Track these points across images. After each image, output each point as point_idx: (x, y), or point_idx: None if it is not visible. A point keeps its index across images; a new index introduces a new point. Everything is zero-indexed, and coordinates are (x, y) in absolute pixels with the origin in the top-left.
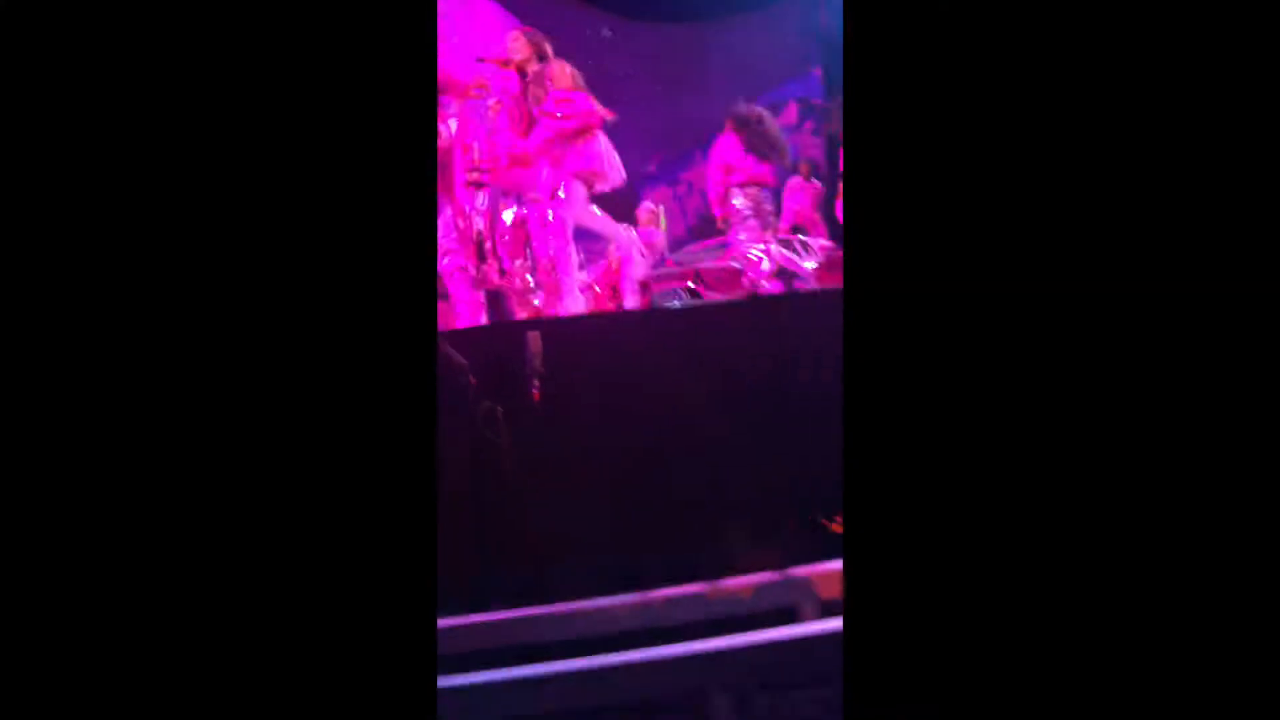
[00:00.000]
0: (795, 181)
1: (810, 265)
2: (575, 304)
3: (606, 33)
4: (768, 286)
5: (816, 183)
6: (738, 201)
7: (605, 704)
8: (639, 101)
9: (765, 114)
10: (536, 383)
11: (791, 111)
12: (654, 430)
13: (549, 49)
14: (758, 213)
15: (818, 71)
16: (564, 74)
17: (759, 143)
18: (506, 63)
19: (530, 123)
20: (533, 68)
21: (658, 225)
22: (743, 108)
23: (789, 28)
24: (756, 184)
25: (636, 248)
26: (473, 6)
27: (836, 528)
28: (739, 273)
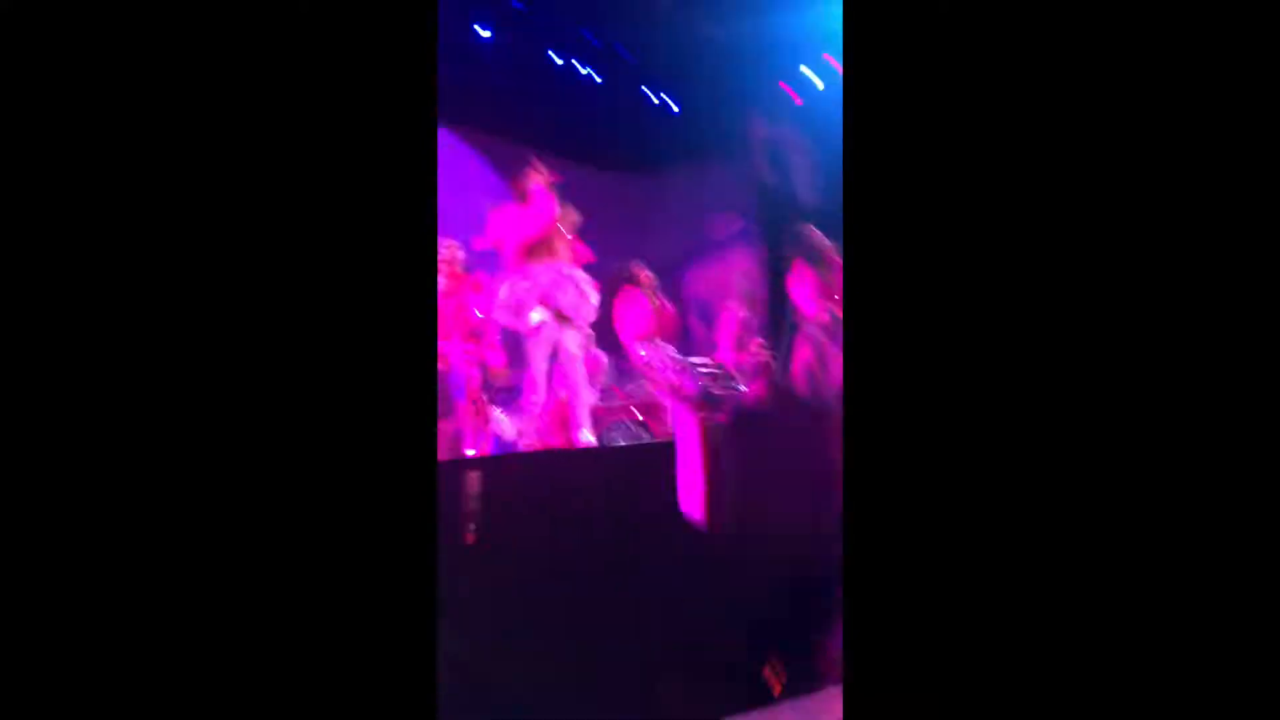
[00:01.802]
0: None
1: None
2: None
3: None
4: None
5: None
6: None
7: None
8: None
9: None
10: (472, 526)
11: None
12: (592, 571)
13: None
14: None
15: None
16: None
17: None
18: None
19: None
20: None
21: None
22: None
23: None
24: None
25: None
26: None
27: (776, 685)
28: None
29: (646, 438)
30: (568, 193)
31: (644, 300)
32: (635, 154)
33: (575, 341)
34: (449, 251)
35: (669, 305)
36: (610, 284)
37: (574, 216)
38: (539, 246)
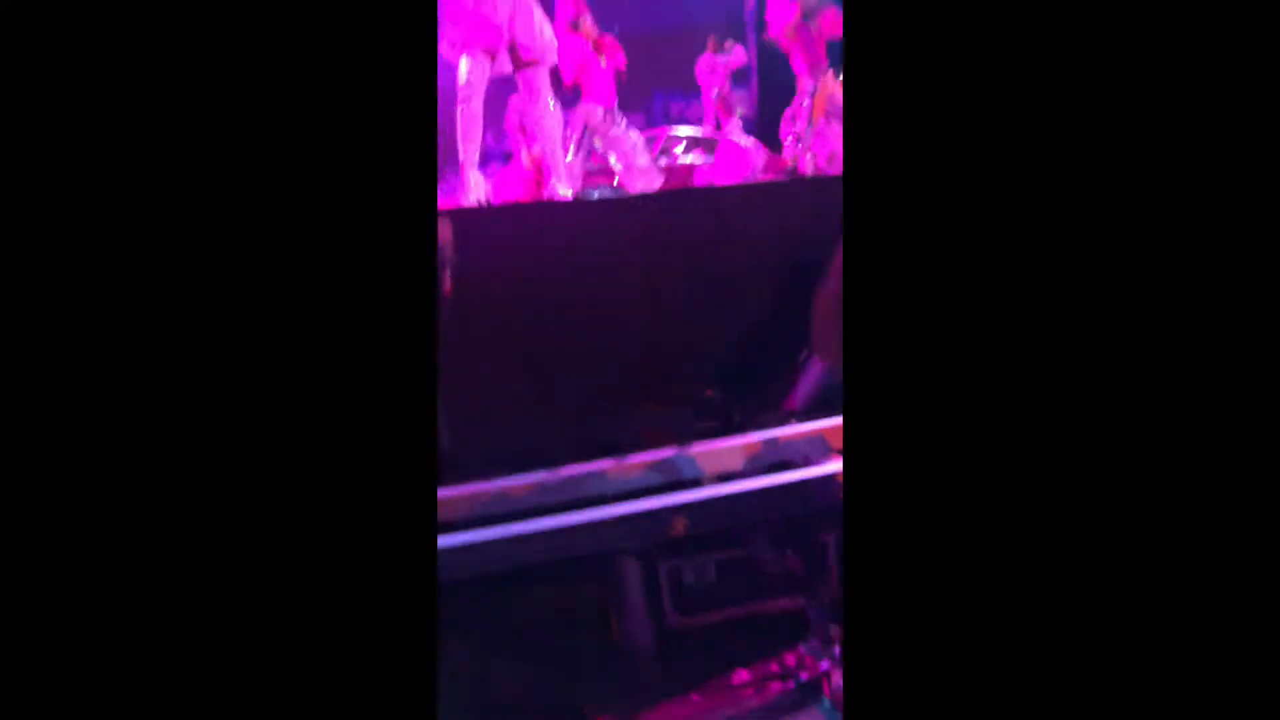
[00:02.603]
0: (706, 59)
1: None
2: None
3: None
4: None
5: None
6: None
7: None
8: None
9: None
10: (448, 273)
11: None
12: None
13: None
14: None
15: None
16: None
17: None
18: None
19: None
20: None
21: None
22: None
23: None
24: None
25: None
26: None
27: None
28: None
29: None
30: None
31: (584, 43)
32: None
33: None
34: None
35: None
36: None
37: None
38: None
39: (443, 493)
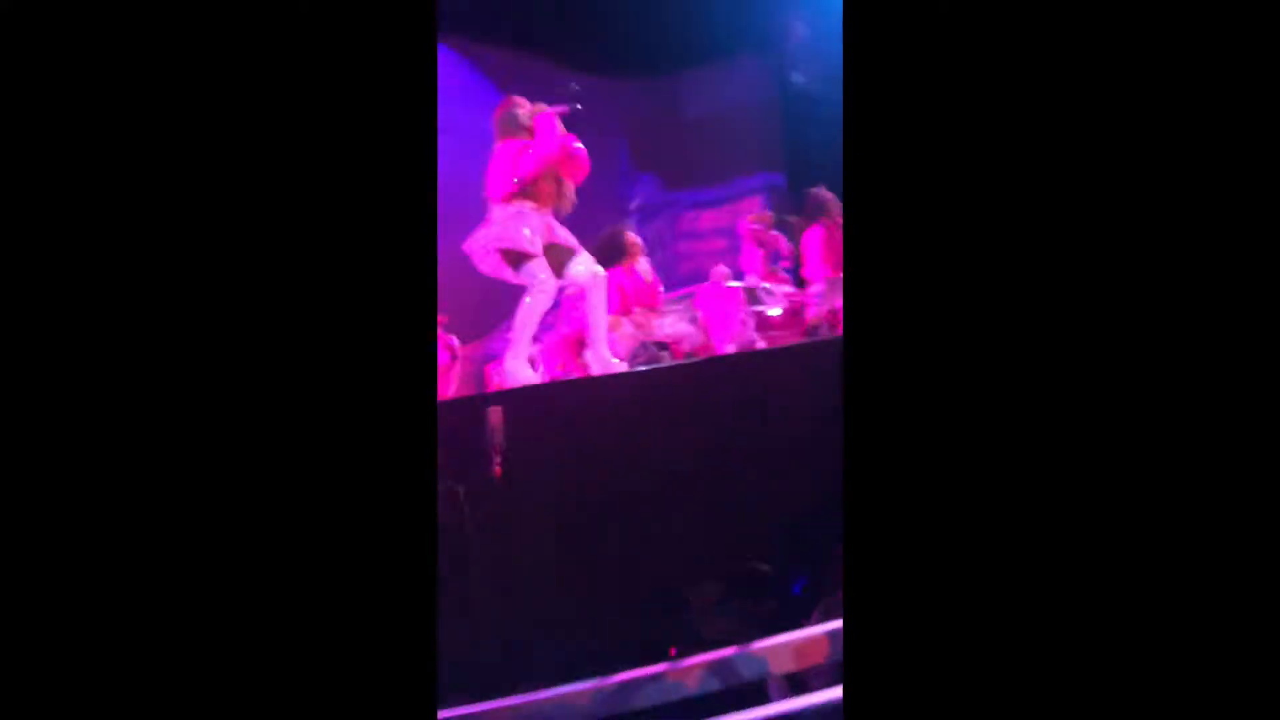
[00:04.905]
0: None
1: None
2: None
3: (574, 87)
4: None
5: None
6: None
7: None
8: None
9: None
10: (498, 459)
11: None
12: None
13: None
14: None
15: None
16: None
17: None
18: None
19: None
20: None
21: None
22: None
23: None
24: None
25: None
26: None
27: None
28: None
29: (666, 359)
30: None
31: (638, 276)
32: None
33: (584, 265)
34: None
35: (655, 278)
36: (602, 254)
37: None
38: (542, 184)
39: (486, 705)
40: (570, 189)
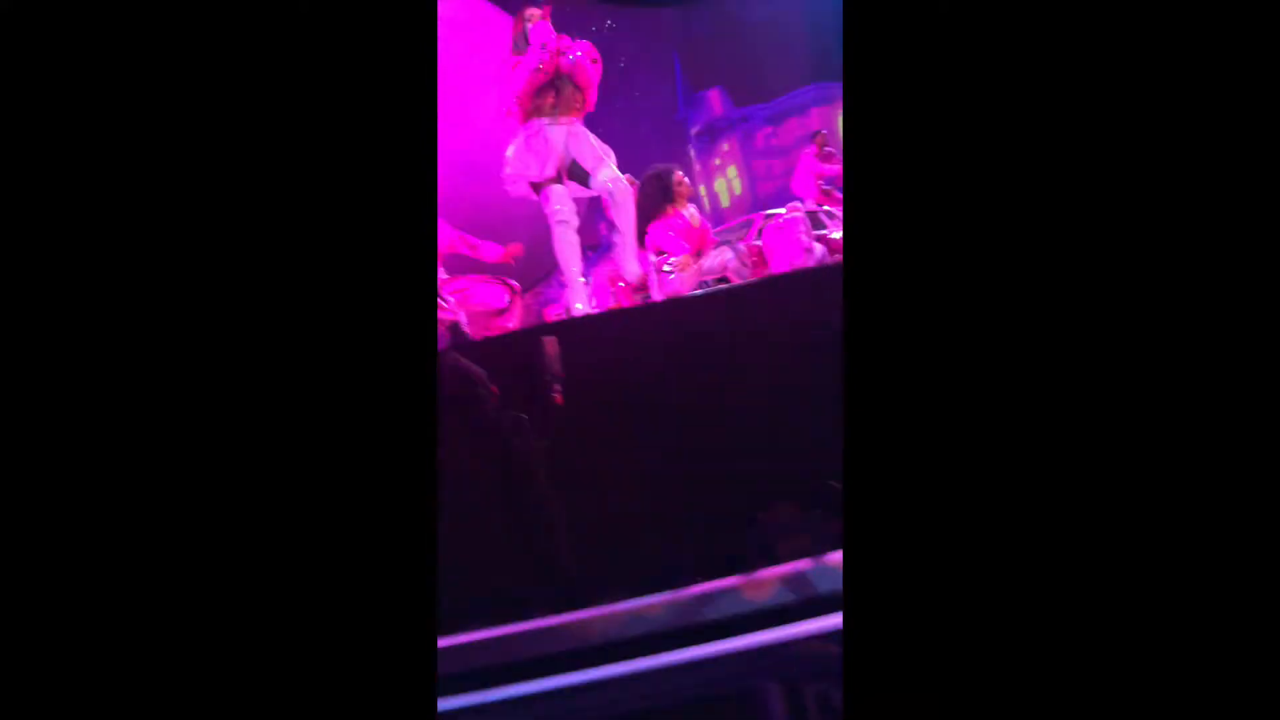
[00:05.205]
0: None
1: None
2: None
3: (610, 24)
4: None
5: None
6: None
7: (650, 707)
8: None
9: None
10: (558, 387)
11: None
12: (680, 424)
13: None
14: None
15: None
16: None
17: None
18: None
19: None
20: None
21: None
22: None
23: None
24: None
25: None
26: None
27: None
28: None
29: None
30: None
31: (685, 221)
32: None
33: (606, 174)
34: None
35: (705, 222)
36: (646, 199)
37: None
38: (542, 95)
39: (567, 617)
40: (587, 93)
